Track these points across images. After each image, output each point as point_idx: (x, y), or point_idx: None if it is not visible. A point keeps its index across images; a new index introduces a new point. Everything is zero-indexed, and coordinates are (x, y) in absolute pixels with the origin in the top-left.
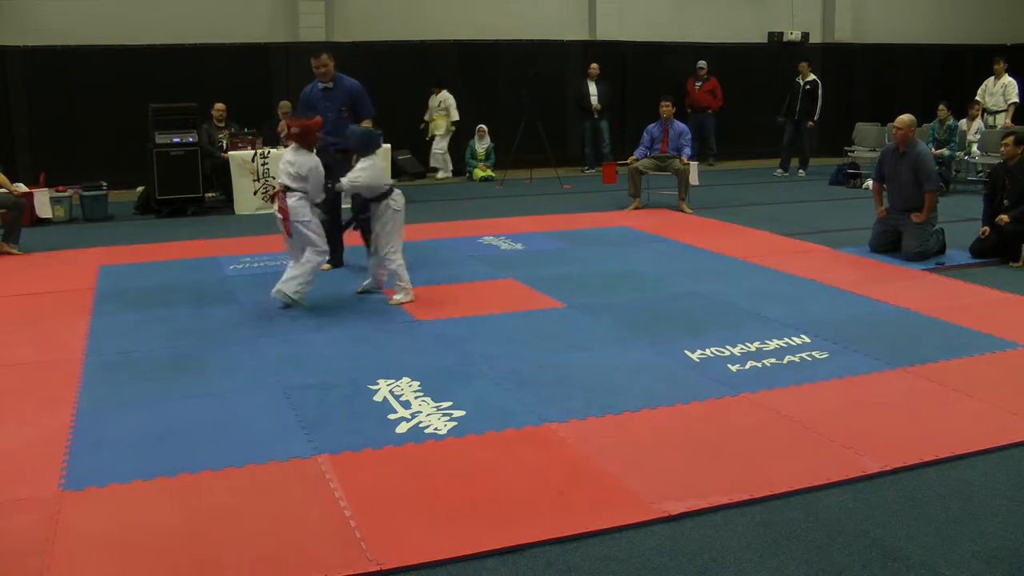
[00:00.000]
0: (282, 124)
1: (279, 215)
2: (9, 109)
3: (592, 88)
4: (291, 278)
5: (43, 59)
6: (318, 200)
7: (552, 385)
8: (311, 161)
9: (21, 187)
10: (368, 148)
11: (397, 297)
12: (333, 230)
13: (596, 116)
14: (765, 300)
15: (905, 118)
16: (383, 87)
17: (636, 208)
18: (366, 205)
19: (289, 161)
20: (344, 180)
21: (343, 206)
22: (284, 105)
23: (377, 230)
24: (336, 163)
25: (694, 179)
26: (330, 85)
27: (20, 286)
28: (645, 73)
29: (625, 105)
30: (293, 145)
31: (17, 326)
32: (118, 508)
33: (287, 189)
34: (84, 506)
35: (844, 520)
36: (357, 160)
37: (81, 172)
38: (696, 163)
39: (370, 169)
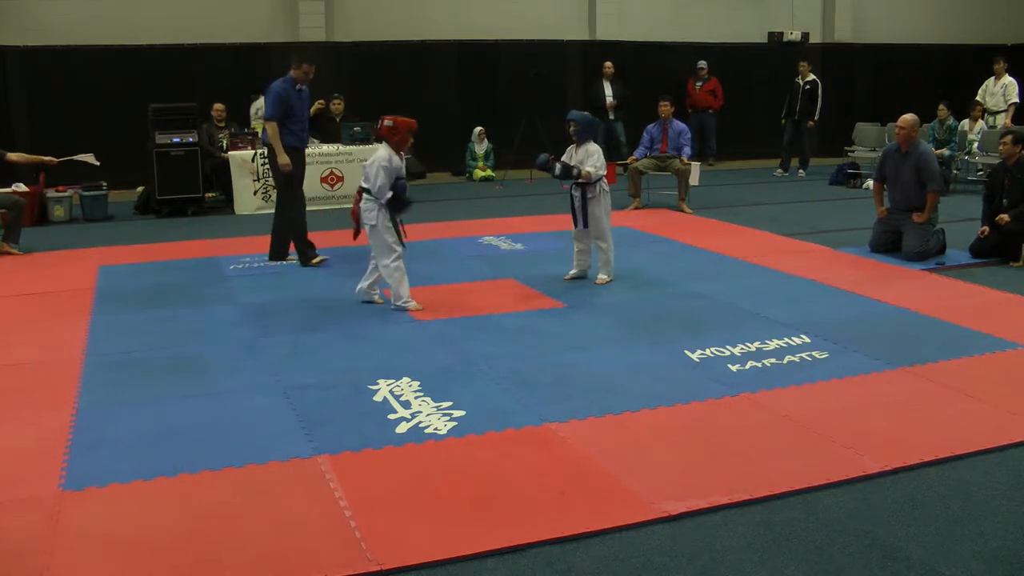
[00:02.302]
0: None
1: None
2: (9, 109)
3: (607, 88)
4: (392, 291)
5: (43, 59)
6: (382, 200)
7: (552, 385)
8: (378, 154)
9: (21, 187)
10: (592, 131)
11: (603, 277)
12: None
13: (611, 117)
14: (765, 300)
15: (908, 118)
16: (383, 87)
17: (636, 208)
18: (584, 188)
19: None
20: (591, 169)
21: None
22: None
23: (597, 213)
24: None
25: (695, 179)
26: (304, 88)
27: (20, 286)
28: (645, 73)
29: (625, 105)
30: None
31: (17, 326)
32: (118, 508)
33: (362, 190)
34: (84, 506)
35: (844, 520)
36: (578, 147)
37: (81, 172)
38: (697, 163)
39: (599, 155)
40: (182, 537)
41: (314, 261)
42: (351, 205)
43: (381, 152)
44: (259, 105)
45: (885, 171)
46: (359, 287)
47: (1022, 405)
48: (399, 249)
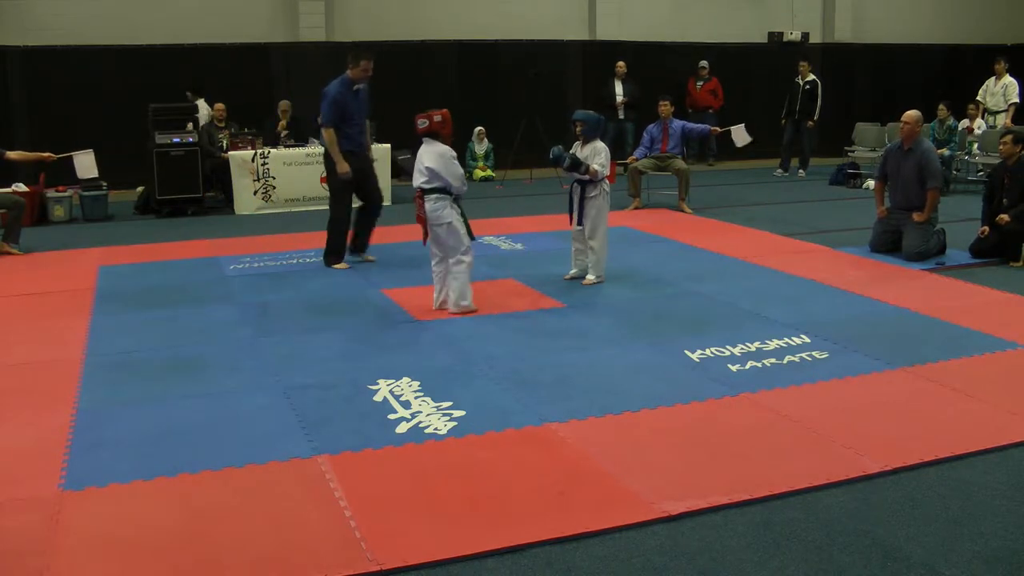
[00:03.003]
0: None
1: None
2: (9, 109)
3: (618, 88)
4: (453, 291)
5: (43, 59)
6: (463, 192)
7: (552, 385)
8: (437, 150)
9: (21, 187)
10: (599, 129)
11: (590, 277)
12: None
13: (622, 117)
14: (765, 300)
15: (913, 114)
16: (383, 87)
17: (636, 208)
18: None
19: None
20: (597, 167)
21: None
22: (284, 104)
23: (594, 212)
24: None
25: (745, 138)
26: (362, 87)
27: (20, 286)
28: (645, 73)
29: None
30: (425, 140)
31: (17, 326)
32: (118, 508)
33: (424, 192)
34: (84, 506)
35: (844, 520)
36: (584, 145)
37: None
38: (742, 124)
39: (605, 153)
40: (182, 537)
41: (336, 265)
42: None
43: (439, 148)
44: (196, 106)
45: (887, 170)
46: (438, 302)
47: (1022, 405)
48: (470, 243)
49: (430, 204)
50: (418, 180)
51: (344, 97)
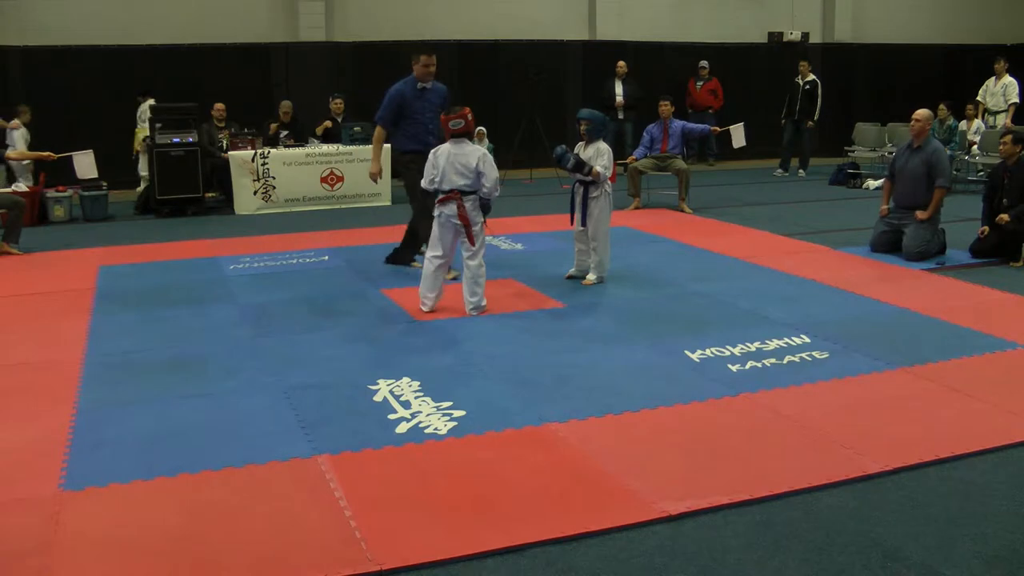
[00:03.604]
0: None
1: (458, 222)
2: (9, 109)
3: (618, 88)
4: (473, 294)
5: (43, 59)
6: (496, 194)
7: (552, 385)
8: (471, 149)
9: (21, 187)
10: (603, 130)
11: (591, 277)
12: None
13: (621, 117)
14: (765, 300)
15: (924, 112)
16: (383, 87)
17: (636, 208)
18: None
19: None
20: (600, 168)
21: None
22: (285, 105)
23: (597, 213)
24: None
25: (741, 140)
26: (428, 85)
27: (20, 286)
28: (645, 73)
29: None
30: (452, 139)
31: (17, 326)
32: (118, 508)
33: (463, 194)
34: (84, 506)
35: (844, 520)
36: (587, 145)
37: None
38: (740, 124)
39: (608, 155)
40: (182, 537)
41: (412, 263)
42: (352, 205)
43: (476, 148)
44: (144, 108)
45: (895, 169)
46: (431, 303)
47: (1022, 405)
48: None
49: (469, 205)
50: (459, 182)
51: (403, 96)
